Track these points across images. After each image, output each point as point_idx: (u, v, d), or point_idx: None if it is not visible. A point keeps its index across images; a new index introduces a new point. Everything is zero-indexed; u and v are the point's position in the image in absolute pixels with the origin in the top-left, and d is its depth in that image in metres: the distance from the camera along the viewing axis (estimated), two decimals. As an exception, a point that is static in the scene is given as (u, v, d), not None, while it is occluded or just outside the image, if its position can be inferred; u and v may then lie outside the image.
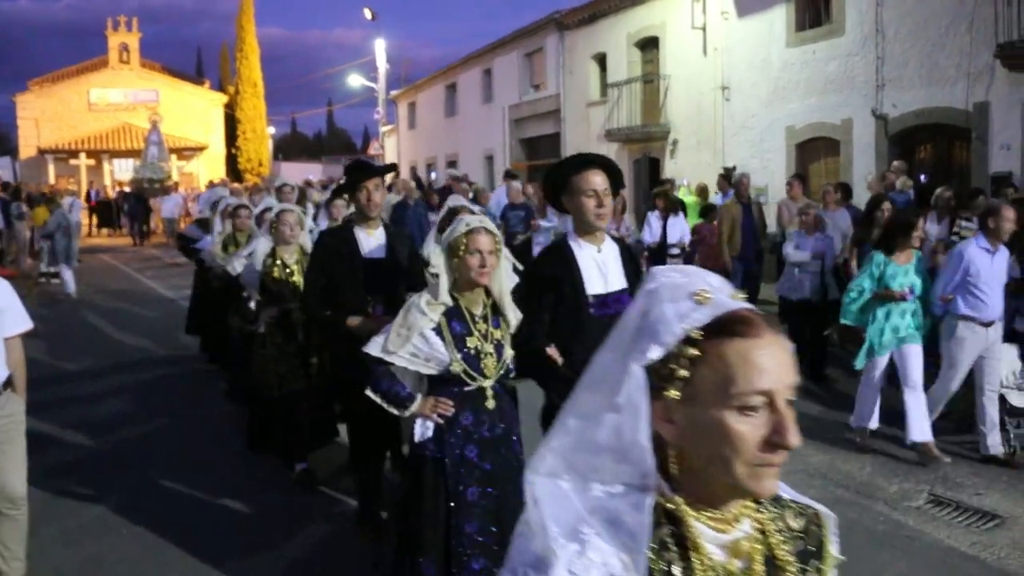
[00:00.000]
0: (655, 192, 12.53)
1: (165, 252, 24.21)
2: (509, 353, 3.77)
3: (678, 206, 12.14)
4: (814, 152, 16.45)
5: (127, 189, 33.71)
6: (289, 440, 6.08)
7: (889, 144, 14.50)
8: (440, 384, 3.69)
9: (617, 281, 3.97)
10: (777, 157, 16.74)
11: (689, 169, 18.31)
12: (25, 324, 4.38)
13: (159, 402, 8.46)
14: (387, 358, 3.65)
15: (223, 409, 7.99)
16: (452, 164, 29.99)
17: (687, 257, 11.76)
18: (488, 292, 3.76)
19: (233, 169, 43.29)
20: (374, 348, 3.69)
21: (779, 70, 16.64)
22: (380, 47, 37.40)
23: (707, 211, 12.70)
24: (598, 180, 3.87)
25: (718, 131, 18.31)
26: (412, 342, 3.60)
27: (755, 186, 14.33)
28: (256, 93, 45.40)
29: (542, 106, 25.88)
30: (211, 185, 28.53)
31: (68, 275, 16.06)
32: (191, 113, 42.32)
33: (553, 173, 4.10)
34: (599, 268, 3.94)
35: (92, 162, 39.21)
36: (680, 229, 11.78)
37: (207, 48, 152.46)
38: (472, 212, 5.25)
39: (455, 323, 3.65)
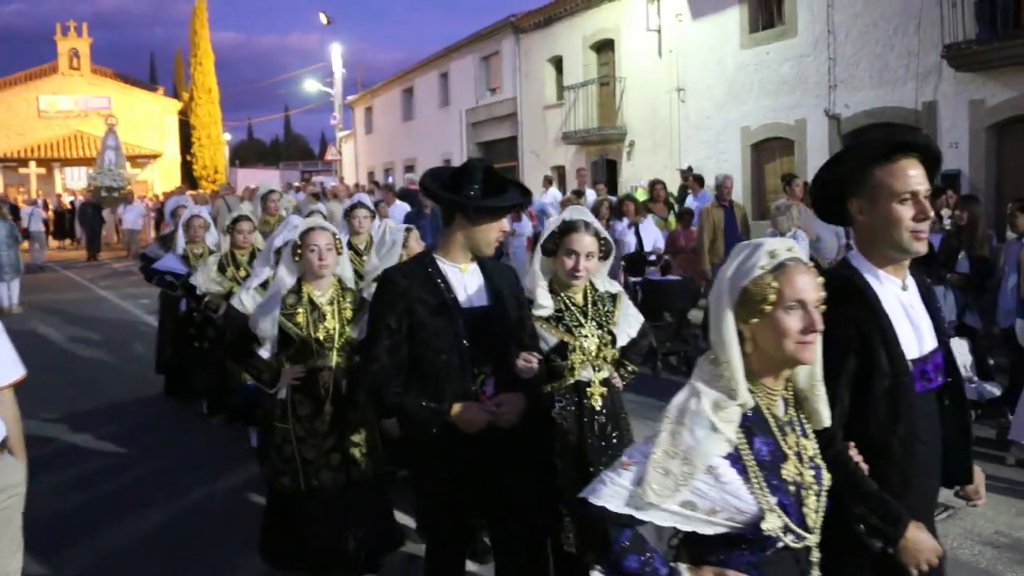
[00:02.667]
0: (620, 199, 12.02)
1: (123, 268, 23.23)
2: (827, 479, 2.15)
3: (645, 211, 11.69)
4: (769, 152, 16.63)
5: (82, 198, 31.72)
6: (324, 560, 4.29)
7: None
8: (719, 547, 2.04)
9: (929, 335, 2.59)
10: (733, 158, 16.89)
11: (646, 170, 18.41)
12: (16, 372, 3.52)
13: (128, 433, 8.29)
14: (642, 516, 1.97)
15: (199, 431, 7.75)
16: (410, 168, 29.88)
17: (664, 266, 10.61)
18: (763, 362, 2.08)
19: (188, 176, 42.82)
20: (612, 499, 1.98)
21: (733, 71, 16.80)
22: (336, 52, 37.18)
23: (683, 216, 11.78)
24: (918, 177, 2.48)
25: (674, 132, 18.44)
26: (694, 484, 1.95)
27: (709, 187, 14.42)
28: (211, 99, 44.99)
29: (499, 109, 25.89)
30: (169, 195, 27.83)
31: (15, 288, 15.27)
32: (144, 120, 41.73)
33: (842, 162, 2.64)
34: (907, 315, 2.54)
35: (43, 171, 38.52)
36: (653, 235, 11.05)
37: (160, 54, 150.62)
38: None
39: (759, 440, 2.02)
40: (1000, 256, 7.49)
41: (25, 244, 24.25)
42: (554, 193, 16.06)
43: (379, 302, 3.26)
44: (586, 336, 3.56)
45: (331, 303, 4.25)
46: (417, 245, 5.62)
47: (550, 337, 3.53)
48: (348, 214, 6.90)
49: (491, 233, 3.28)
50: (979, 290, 7.51)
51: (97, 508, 5.79)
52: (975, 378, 6.95)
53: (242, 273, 6.59)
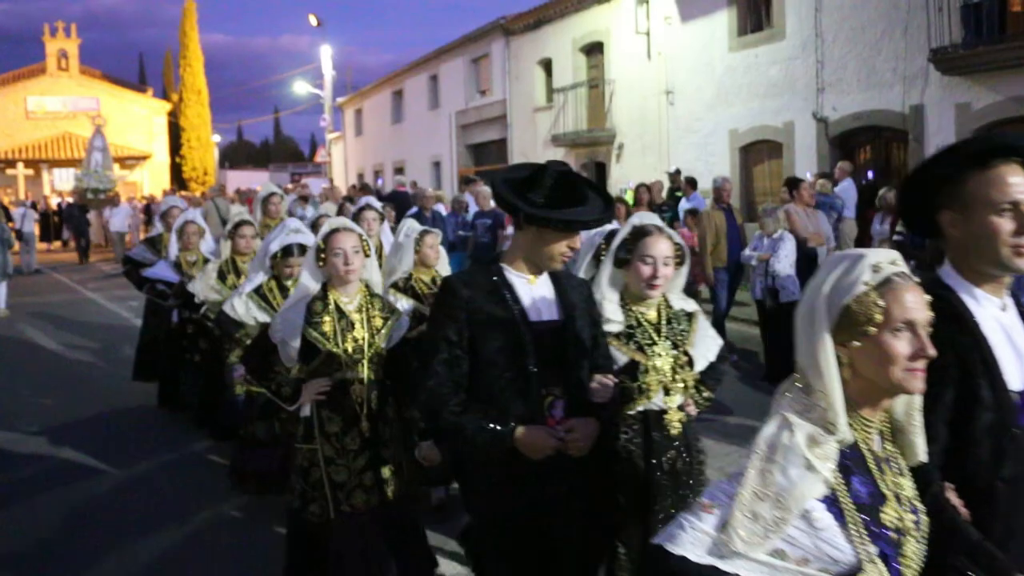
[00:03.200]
0: (614, 199, 11.65)
1: (113, 271, 22.68)
2: (927, 524, 1.92)
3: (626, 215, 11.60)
4: (757, 155, 16.70)
5: (69, 200, 31.48)
6: None
7: (830, 146, 14.78)
8: None
9: None
10: (721, 160, 16.95)
11: (635, 173, 18.45)
12: None
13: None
14: (727, 567, 1.73)
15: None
16: (399, 171, 29.87)
17: None
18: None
19: (178, 178, 42.72)
20: (693, 548, 1.75)
21: (722, 74, 16.86)
22: (326, 54, 37.17)
23: (689, 217, 11.75)
24: (1020, 185, 2.18)
25: (663, 135, 18.49)
26: (787, 531, 1.72)
27: (701, 189, 14.49)
28: (200, 101, 44.90)
29: (488, 112, 25.92)
30: (164, 195, 27.35)
31: (2, 291, 15.06)
32: (133, 121, 41.57)
33: (933, 168, 2.35)
34: (1009, 340, 2.24)
35: (31, 172, 38.35)
36: None
37: (149, 55, 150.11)
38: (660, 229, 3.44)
39: (857, 480, 1.79)
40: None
41: (16, 246, 24.07)
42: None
43: (438, 311, 2.97)
44: (659, 356, 3.27)
45: (359, 311, 3.88)
46: (432, 251, 5.52)
47: (620, 356, 3.24)
48: (357, 217, 6.73)
49: (555, 248, 2.91)
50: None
51: (88, 536, 5.35)
52: None
53: (243, 281, 6.24)
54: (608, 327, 3.25)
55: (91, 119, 34.98)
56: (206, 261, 7.14)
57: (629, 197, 14.79)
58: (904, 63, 13.27)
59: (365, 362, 3.81)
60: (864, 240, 11.37)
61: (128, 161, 39.94)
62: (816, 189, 11.25)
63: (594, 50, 21.05)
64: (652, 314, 3.35)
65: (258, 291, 5.14)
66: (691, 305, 3.50)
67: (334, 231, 3.84)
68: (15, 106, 39.80)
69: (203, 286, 6.37)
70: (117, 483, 6.35)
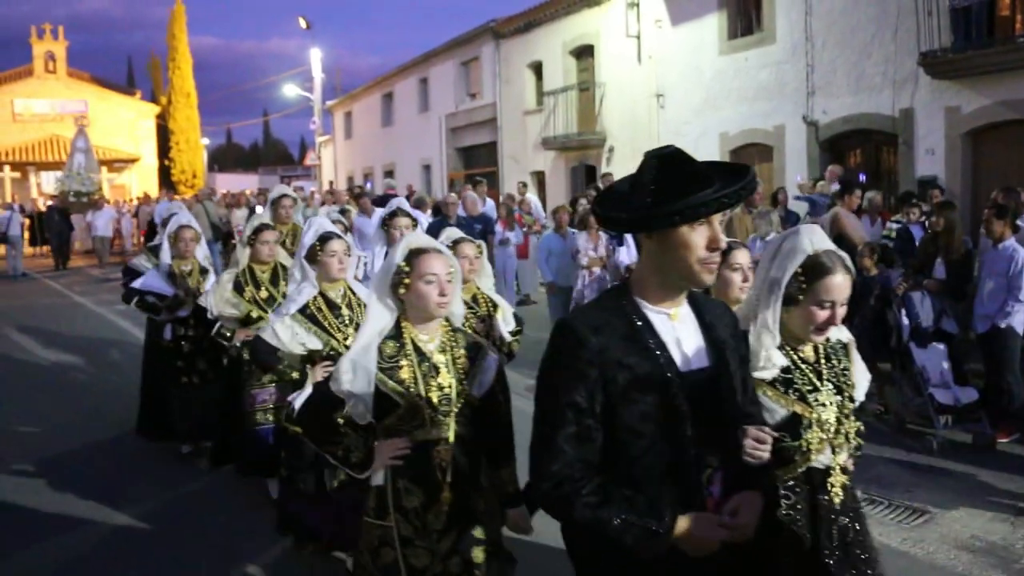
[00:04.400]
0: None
1: (101, 276, 22.26)
2: None
3: None
4: (748, 158, 16.66)
5: (51, 203, 29.32)
6: None
7: (820, 150, 14.81)
8: None
9: None
10: (711, 164, 16.92)
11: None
12: None
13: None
14: None
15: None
16: (389, 174, 29.80)
17: None
18: None
19: (166, 181, 42.48)
20: None
21: (712, 78, 16.87)
22: (315, 57, 37.13)
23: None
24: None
25: (653, 138, 18.45)
26: None
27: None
28: (189, 103, 44.71)
29: (479, 115, 25.88)
30: (147, 200, 26.47)
31: None
32: (122, 124, 41.36)
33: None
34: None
35: (17, 175, 38.11)
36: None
37: (138, 58, 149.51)
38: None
39: None
40: (975, 262, 7.58)
41: (2, 250, 23.81)
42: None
43: (559, 368, 2.23)
44: (823, 405, 2.67)
45: (443, 351, 3.07)
46: (471, 263, 4.45)
47: (777, 408, 2.64)
48: (387, 223, 5.73)
49: (691, 253, 2.18)
50: (955, 296, 7.57)
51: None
52: (952, 383, 7.00)
53: (263, 293, 5.62)
54: (763, 374, 2.64)
55: (75, 120, 34.53)
56: (204, 271, 6.68)
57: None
58: (894, 67, 13.29)
59: (453, 416, 3.02)
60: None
61: (116, 164, 39.76)
62: (816, 189, 11.30)
63: (584, 53, 21.04)
64: (809, 351, 2.73)
65: (304, 311, 4.28)
66: (844, 334, 2.86)
67: (421, 252, 3.03)
68: (2, 108, 39.53)
69: (217, 299, 5.58)
70: (111, 532, 5.49)
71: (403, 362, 2.97)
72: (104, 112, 40.53)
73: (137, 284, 6.58)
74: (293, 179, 42.86)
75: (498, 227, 13.25)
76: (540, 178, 22.69)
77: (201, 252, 6.86)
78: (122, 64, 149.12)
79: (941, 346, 7.15)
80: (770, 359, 2.63)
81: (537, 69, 22.88)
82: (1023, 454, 6.65)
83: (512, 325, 4.66)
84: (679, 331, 2.29)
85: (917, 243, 8.69)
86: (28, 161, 38.23)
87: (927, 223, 8.71)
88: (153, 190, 37.66)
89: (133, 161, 40.93)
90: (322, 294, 4.36)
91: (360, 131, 36.67)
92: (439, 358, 3.03)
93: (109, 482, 6.34)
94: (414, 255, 2.99)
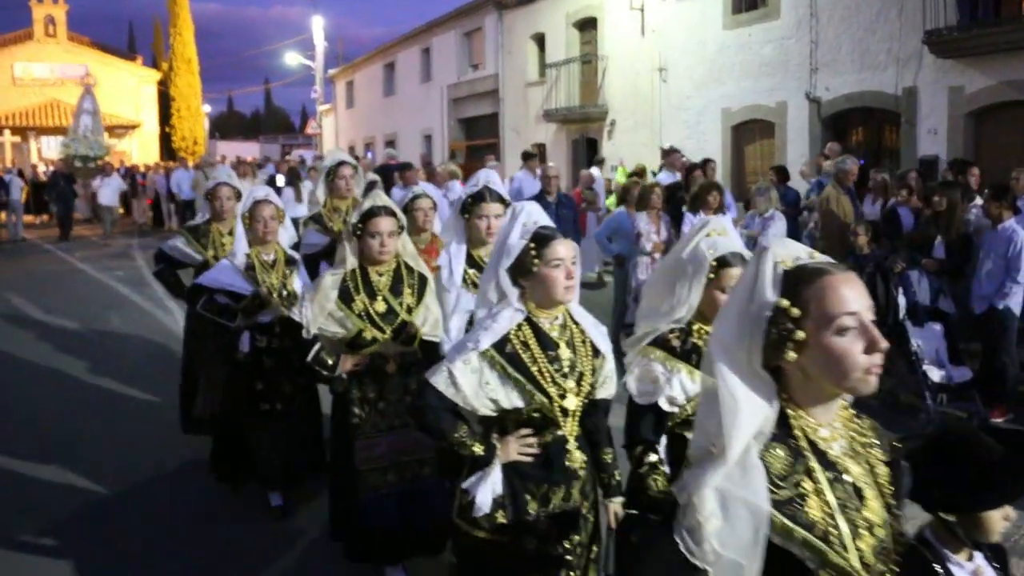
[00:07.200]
0: (703, 186, 8.84)
1: (101, 250, 20.74)
2: None
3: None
4: (749, 134, 16.66)
5: (54, 168, 27.24)
6: None
7: (822, 127, 14.76)
8: None
9: None
10: (713, 139, 16.91)
11: (627, 150, 18.42)
12: None
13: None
14: None
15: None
16: (390, 144, 29.73)
17: None
18: None
19: (167, 148, 42.35)
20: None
21: (715, 52, 16.79)
22: (318, 25, 36.90)
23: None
24: None
25: (655, 112, 18.43)
26: None
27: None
28: (191, 70, 44.39)
29: (481, 86, 25.77)
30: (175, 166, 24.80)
31: None
32: (123, 90, 41.12)
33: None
34: None
35: (17, 139, 37.98)
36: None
37: (139, 23, 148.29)
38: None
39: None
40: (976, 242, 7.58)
41: (2, 215, 23.66)
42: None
43: None
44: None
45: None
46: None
47: None
48: (409, 207, 4.99)
49: None
50: (955, 276, 7.58)
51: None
52: (947, 362, 7.04)
53: (379, 306, 4.02)
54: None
55: (81, 80, 33.82)
56: (291, 262, 5.16)
57: (620, 174, 14.77)
58: (898, 45, 13.23)
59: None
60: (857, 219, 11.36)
61: (117, 130, 39.57)
62: (824, 169, 11.25)
63: (587, 25, 20.91)
64: None
65: (502, 347, 2.84)
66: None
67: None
68: (1, 73, 39.32)
69: (317, 310, 3.98)
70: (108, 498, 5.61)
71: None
72: (105, 77, 40.26)
73: (205, 280, 5.10)
74: (294, 147, 42.71)
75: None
76: (541, 150, 22.64)
77: (286, 237, 5.41)
78: (123, 29, 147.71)
79: (937, 326, 7.18)
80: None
81: (540, 41, 22.76)
82: (1015, 434, 6.69)
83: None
84: None
85: (903, 224, 8.67)
86: (28, 126, 38.07)
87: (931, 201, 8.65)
88: (154, 156, 37.58)
89: (134, 127, 40.75)
90: (530, 321, 2.91)
91: (362, 100, 36.50)
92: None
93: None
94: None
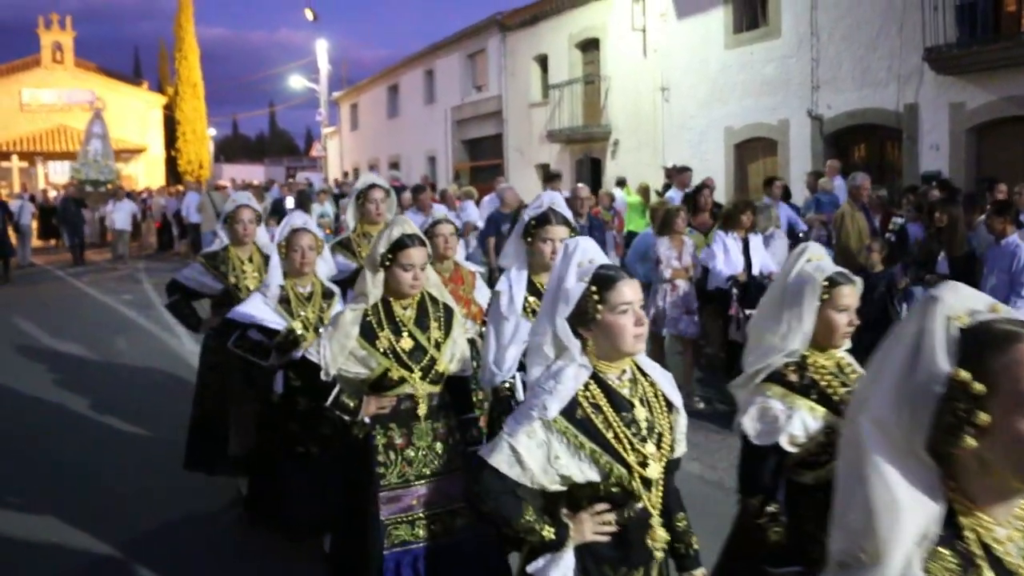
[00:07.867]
0: (736, 204, 8.46)
1: (108, 274, 20.83)
2: None
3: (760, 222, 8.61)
4: (752, 152, 16.72)
5: (64, 193, 26.43)
6: None
7: (824, 144, 14.83)
8: None
9: None
10: (716, 157, 16.97)
11: (630, 169, 18.47)
12: None
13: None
14: None
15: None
16: (395, 165, 29.86)
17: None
18: None
19: (173, 172, 42.56)
20: None
21: (717, 71, 16.88)
22: (322, 48, 37.06)
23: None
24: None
25: (658, 131, 18.51)
26: None
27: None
28: (196, 94, 44.67)
29: (484, 107, 25.91)
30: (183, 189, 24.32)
31: None
32: (129, 114, 41.38)
33: None
34: None
35: (25, 164, 38.22)
36: (761, 255, 8.08)
37: (145, 48, 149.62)
38: None
39: None
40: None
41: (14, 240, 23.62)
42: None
43: None
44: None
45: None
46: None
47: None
48: (429, 233, 4.62)
49: None
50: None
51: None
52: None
53: (405, 343, 3.55)
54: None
55: (90, 104, 33.85)
56: (328, 295, 4.73)
57: (627, 194, 14.79)
58: (899, 62, 13.31)
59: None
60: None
61: (123, 154, 39.78)
62: (820, 188, 11.34)
63: (590, 46, 21.05)
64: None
65: (572, 413, 2.41)
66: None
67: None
68: (9, 98, 39.62)
69: (335, 350, 3.51)
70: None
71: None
72: (111, 102, 40.43)
73: (237, 315, 4.62)
74: (299, 170, 42.88)
75: None
76: (545, 170, 22.73)
77: (325, 268, 4.98)
78: (129, 54, 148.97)
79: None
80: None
81: (543, 62, 22.90)
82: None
83: None
84: None
85: (912, 240, 8.71)
86: (35, 151, 38.31)
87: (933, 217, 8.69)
88: (160, 180, 37.72)
89: (140, 151, 40.99)
90: (597, 379, 2.47)
91: (366, 123, 36.69)
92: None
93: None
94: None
